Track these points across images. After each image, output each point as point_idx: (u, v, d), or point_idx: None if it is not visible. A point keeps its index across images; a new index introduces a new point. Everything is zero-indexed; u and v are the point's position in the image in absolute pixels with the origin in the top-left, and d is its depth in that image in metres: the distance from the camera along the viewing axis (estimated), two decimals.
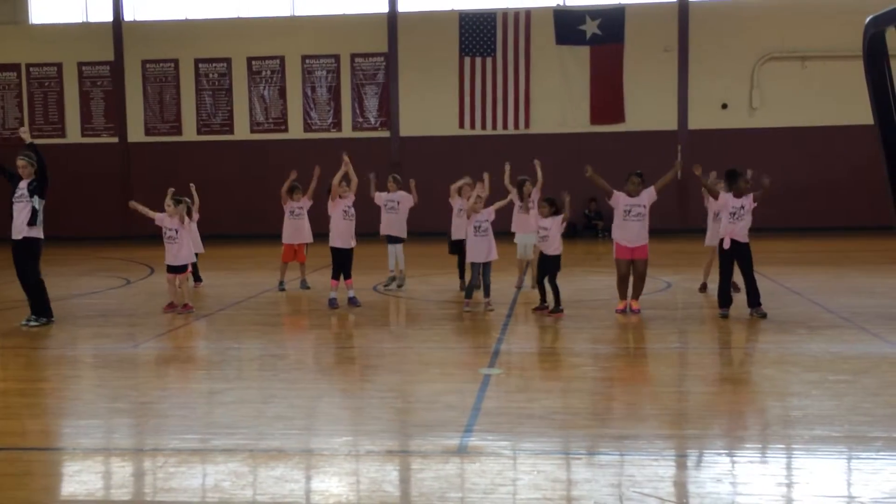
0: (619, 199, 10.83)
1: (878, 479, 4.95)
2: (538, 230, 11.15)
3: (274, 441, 5.79)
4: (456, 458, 5.39)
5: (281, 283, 13.74)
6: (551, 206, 11.02)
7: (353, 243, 12.01)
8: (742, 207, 10.50)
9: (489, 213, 11.40)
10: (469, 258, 11.60)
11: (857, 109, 21.45)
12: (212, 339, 10.04)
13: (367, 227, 14.14)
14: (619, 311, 10.92)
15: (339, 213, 11.82)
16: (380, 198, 13.63)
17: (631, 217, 10.79)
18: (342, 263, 11.95)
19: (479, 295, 11.65)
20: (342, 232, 11.88)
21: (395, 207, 13.53)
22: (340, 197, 11.79)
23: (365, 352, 9.33)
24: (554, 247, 10.96)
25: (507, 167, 13.22)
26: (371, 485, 4.98)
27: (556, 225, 10.94)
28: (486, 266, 11.44)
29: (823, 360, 8.12)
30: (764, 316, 10.36)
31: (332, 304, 11.88)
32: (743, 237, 10.52)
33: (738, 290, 11.33)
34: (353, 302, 11.94)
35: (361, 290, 13.01)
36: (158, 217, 11.73)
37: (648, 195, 10.78)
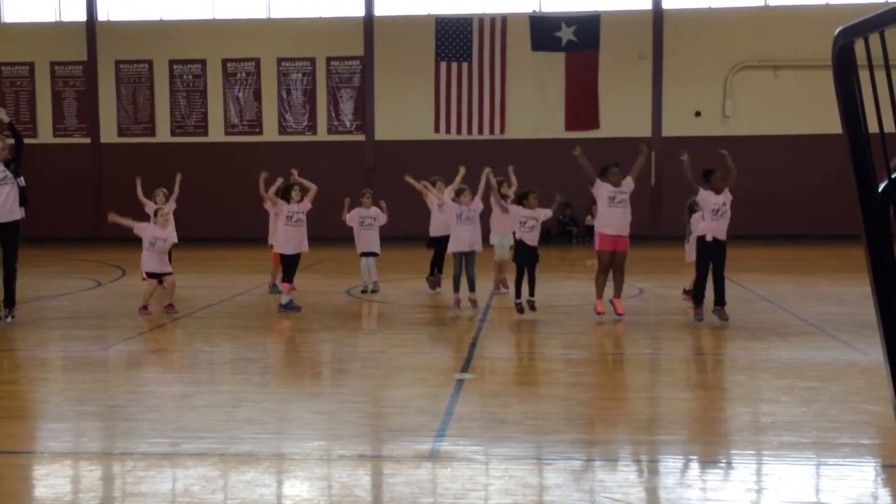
0: (602, 187, 10.78)
1: (844, 486, 5.01)
2: (524, 221, 10.96)
3: (245, 445, 5.76)
4: (428, 463, 5.38)
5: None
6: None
7: (293, 250, 11.61)
8: (724, 204, 10.57)
9: (476, 203, 11.37)
10: (451, 248, 11.42)
11: (827, 119, 21.37)
12: (183, 342, 9.97)
13: (340, 230, 14.05)
14: (599, 314, 10.76)
15: (282, 218, 11.67)
16: (353, 218, 13.22)
17: (616, 203, 10.77)
18: (285, 268, 11.79)
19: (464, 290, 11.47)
20: (281, 237, 11.80)
21: (372, 224, 13.28)
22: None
23: (337, 356, 9.30)
24: (537, 238, 11.06)
25: (510, 170, 13.09)
26: (342, 489, 4.97)
27: (543, 215, 11.08)
28: (470, 257, 11.29)
29: (793, 366, 8.20)
30: (726, 320, 10.43)
31: (280, 307, 11.65)
32: (723, 235, 10.59)
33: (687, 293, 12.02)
34: (285, 307, 11.54)
35: (335, 293, 12.97)
36: (138, 226, 11.54)
37: (628, 184, 10.80)
